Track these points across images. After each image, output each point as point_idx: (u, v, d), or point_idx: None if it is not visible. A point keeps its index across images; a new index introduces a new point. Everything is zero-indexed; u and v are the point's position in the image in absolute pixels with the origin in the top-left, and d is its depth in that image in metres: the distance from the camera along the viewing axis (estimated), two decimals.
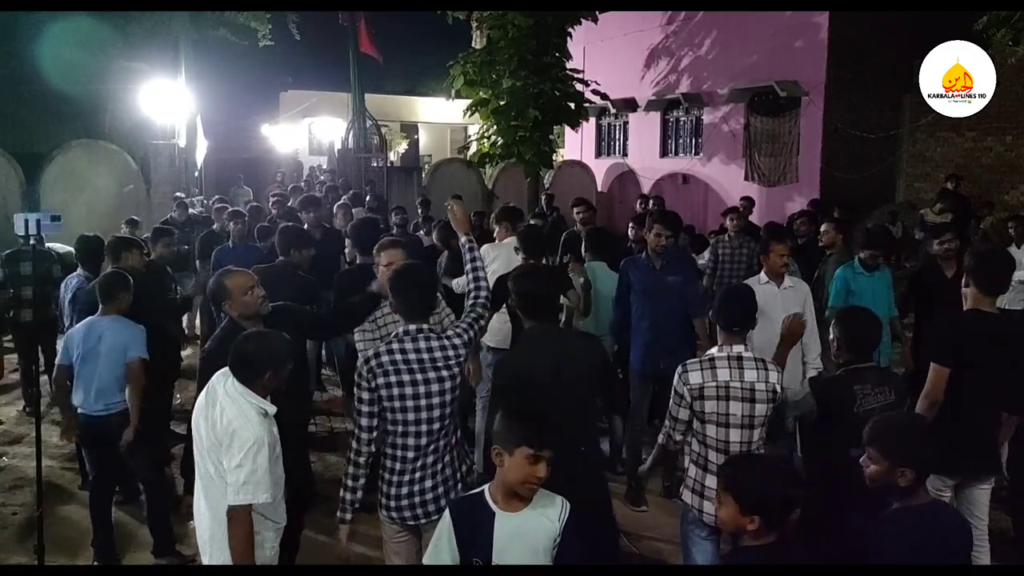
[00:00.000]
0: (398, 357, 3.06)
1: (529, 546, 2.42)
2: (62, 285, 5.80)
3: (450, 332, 3.19)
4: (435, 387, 3.09)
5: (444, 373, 3.10)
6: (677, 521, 3.49)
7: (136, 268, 5.25)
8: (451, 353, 3.13)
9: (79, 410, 4.39)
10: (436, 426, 3.10)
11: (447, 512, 2.51)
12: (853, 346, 3.32)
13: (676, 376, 3.30)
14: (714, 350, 3.31)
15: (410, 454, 3.10)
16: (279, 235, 5.40)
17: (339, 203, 9.47)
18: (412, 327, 3.13)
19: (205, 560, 3.03)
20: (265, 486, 2.81)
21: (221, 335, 3.52)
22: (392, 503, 3.14)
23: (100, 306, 4.44)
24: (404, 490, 3.12)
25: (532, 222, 7.72)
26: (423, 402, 3.08)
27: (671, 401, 3.34)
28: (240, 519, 2.80)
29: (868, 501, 3.23)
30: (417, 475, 3.11)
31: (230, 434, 2.81)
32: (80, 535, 4.76)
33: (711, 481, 3.22)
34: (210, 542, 2.95)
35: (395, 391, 3.05)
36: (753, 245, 7.39)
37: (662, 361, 4.88)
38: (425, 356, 3.08)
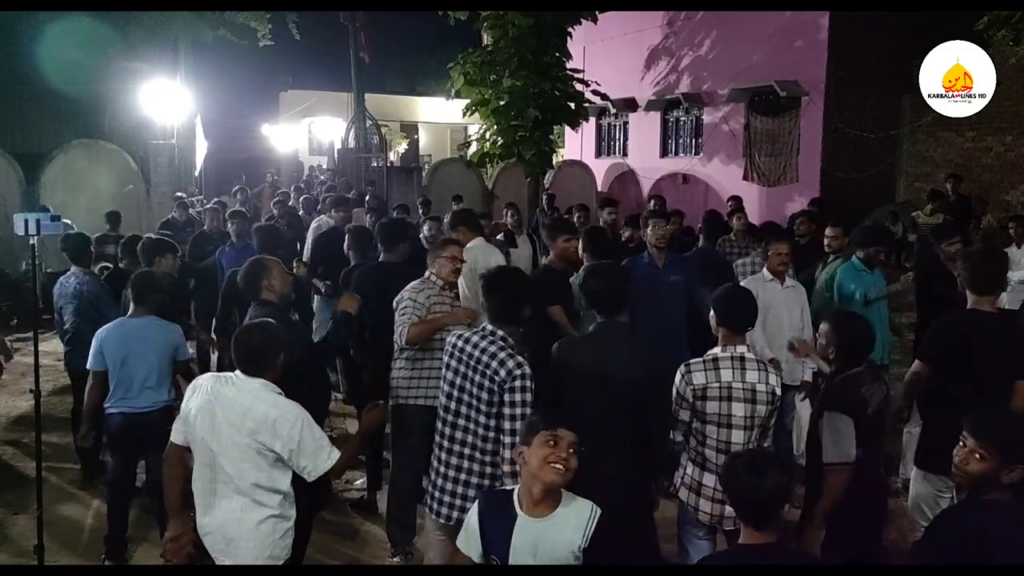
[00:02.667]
0: (459, 344, 3.20)
1: (545, 555, 2.37)
2: (57, 283, 5.77)
3: (512, 363, 3.05)
4: (466, 384, 3.12)
5: (480, 379, 3.09)
6: (676, 520, 3.48)
7: (170, 273, 5.22)
8: (496, 366, 3.05)
9: (115, 410, 4.37)
10: (461, 422, 3.15)
11: (477, 501, 2.54)
12: (848, 351, 3.32)
13: (678, 376, 3.28)
14: (717, 350, 3.31)
15: (445, 443, 3.23)
16: (259, 234, 5.36)
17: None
18: (489, 327, 3.18)
19: (227, 560, 3.00)
20: (330, 447, 2.93)
21: (266, 316, 3.56)
22: (435, 494, 3.25)
23: (132, 306, 4.46)
24: (438, 482, 3.22)
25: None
26: (454, 392, 3.17)
27: (673, 402, 3.32)
28: (341, 465, 2.97)
29: (872, 500, 3.25)
30: (451, 473, 3.17)
31: (270, 425, 2.84)
32: (80, 535, 4.76)
33: (708, 479, 3.23)
34: (233, 541, 2.95)
35: (442, 371, 3.26)
36: (757, 245, 7.39)
37: (664, 362, 4.87)
38: (475, 353, 3.12)
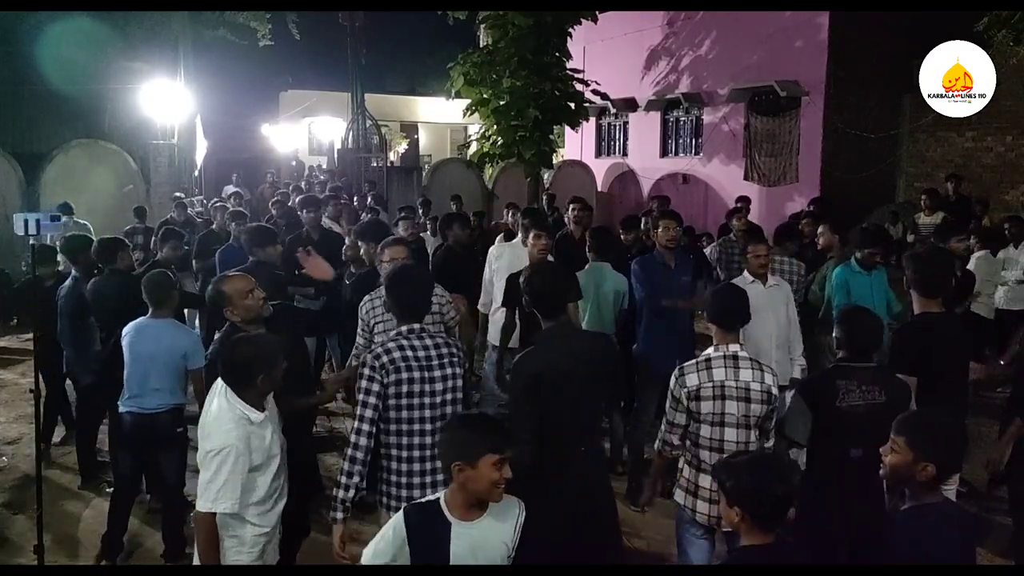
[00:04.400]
0: (409, 354, 3.08)
1: (485, 556, 2.40)
2: (60, 288, 5.77)
3: (452, 339, 3.27)
4: (439, 385, 3.10)
5: (448, 371, 3.13)
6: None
7: (130, 268, 5.23)
8: (454, 351, 3.19)
9: (125, 410, 4.38)
10: (440, 425, 3.08)
11: (401, 516, 2.42)
12: (851, 345, 3.34)
13: (673, 379, 3.31)
14: (710, 350, 3.33)
15: (416, 453, 3.10)
16: (244, 235, 5.39)
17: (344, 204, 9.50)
18: (416, 326, 3.15)
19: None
20: (228, 496, 2.78)
21: (224, 339, 3.52)
22: (394, 504, 3.11)
23: (151, 308, 4.40)
24: (411, 493, 3.09)
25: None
26: (427, 400, 3.08)
27: (667, 405, 3.35)
28: (202, 524, 2.80)
29: (856, 496, 3.26)
30: (428, 479, 3.09)
31: (205, 436, 2.84)
32: (80, 535, 4.76)
33: (704, 481, 3.24)
34: None
35: (404, 388, 3.05)
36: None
37: (678, 359, 4.90)
38: (432, 353, 3.12)
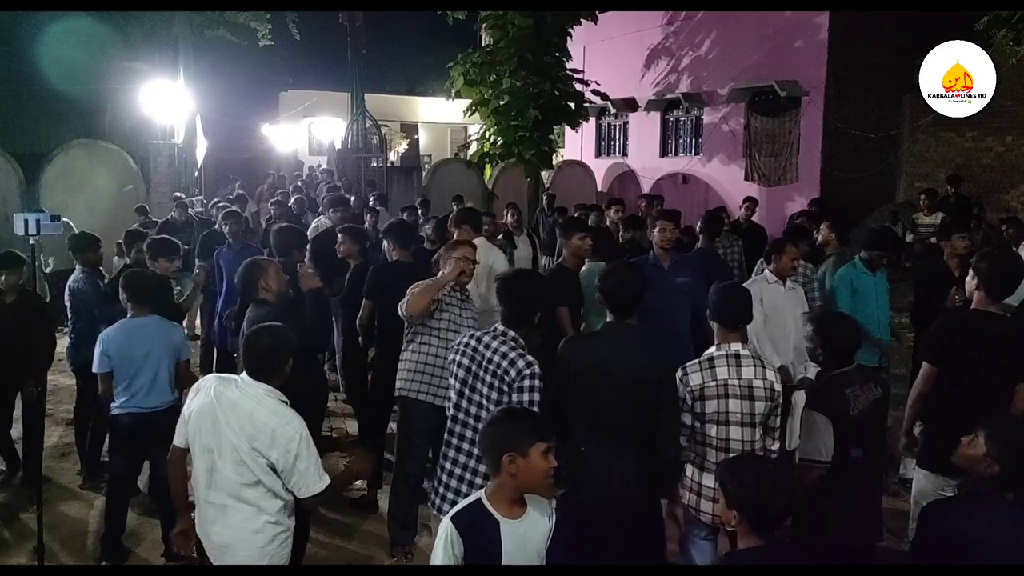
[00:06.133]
0: (473, 344, 3.20)
1: (532, 550, 2.42)
2: (68, 284, 5.79)
3: (522, 363, 3.07)
4: (476, 383, 3.15)
5: (491, 379, 3.11)
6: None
7: (98, 264, 5.34)
8: (507, 365, 3.07)
9: (123, 411, 4.34)
10: (471, 421, 3.17)
11: (450, 526, 2.38)
12: (835, 351, 3.32)
13: (677, 379, 3.29)
14: (712, 349, 3.33)
15: (454, 440, 3.24)
16: (277, 235, 5.38)
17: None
18: (500, 327, 3.21)
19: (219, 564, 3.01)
20: (322, 470, 2.90)
21: (266, 316, 3.59)
22: (441, 490, 3.26)
23: (131, 307, 4.38)
24: (443, 479, 3.23)
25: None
26: (465, 390, 3.18)
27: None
28: (324, 496, 2.89)
29: (856, 496, 3.26)
30: (457, 471, 3.20)
31: (269, 434, 2.80)
32: (80, 535, 4.76)
33: (708, 480, 3.23)
34: (229, 548, 2.93)
35: (453, 368, 3.25)
36: (742, 244, 7.38)
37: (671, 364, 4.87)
38: (487, 353, 3.15)
